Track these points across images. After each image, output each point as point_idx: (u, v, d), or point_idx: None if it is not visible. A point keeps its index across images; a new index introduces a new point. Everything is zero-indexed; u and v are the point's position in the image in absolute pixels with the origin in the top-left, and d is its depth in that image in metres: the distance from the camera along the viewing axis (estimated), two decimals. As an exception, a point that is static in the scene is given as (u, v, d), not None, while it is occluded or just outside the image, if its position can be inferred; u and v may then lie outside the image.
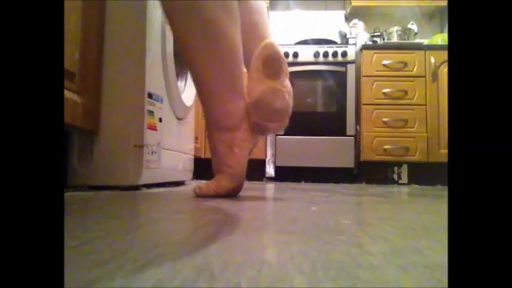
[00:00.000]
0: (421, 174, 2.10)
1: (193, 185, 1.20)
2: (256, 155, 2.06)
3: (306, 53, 2.21)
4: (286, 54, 2.18)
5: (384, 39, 2.44)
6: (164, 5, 0.70)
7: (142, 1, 0.93)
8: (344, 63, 2.18)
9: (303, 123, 2.14)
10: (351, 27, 2.54)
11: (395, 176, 2.14)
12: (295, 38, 2.41)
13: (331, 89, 2.20)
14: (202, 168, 1.54)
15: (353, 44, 2.23)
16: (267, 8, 2.07)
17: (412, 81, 2.14)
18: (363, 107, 2.15)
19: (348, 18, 2.68)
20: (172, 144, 1.14)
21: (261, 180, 2.16)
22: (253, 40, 0.75)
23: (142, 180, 0.91)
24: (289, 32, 2.60)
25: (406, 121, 2.12)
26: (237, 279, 0.19)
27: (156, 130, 0.97)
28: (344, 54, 2.18)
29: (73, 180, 0.87)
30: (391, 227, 0.40)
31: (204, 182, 1.03)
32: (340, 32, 2.57)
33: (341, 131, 2.15)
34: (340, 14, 2.73)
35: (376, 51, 2.18)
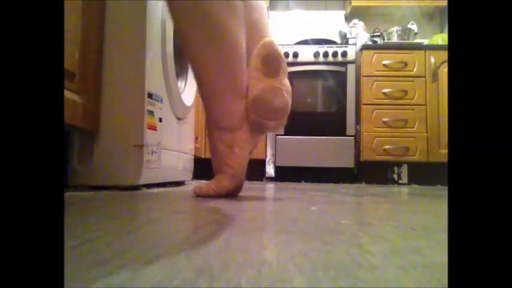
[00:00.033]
0: (421, 174, 2.10)
1: (193, 185, 1.20)
2: (256, 155, 2.06)
3: (306, 53, 2.21)
4: (286, 54, 2.18)
5: (383, 39, 2.44)
6: (169, 4, 0.70)
7: (142, 1, 0.93)
8: (344, 63, 2.18)
9: (303, 123, 2.14)
10: (351, 27, 2.54)
11: (395, 176, 2.14)
12: (295, 38, 2.41)
13: (331, 89, 2.20)
14: (202, 168, 1.54)
15: (353, 44, 2.23)
16: (267, 8, 2.07)
17: (412, 81, 2.14)
18: (363, 107, 2.15)
19: (348, 18, 2.67)
20: (172, 144, 1.14)
21: (261, 180, 2.16)
22: (253, 39, 0.75)
23: (142, 180, 0.91)
24: (289, 32, 2.60)
25: (406, 121, 2.12)
26: (237, 279, 0.19)
27: (156, 130, 0.97)
28: (344, 54, 2.18)
29: (73, 180, 0.87)
30: (391, 227, 0.40)
31: (204, 182, 1.03)
32: (340, 32, 2.57)
33: (341, 131, 2.15)
34: (340, 14, 2.73)
35: (376, 51, 2.19)
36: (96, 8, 0.89)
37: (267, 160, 2.18)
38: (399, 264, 0.23)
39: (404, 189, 1.43)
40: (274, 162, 2.17)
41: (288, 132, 2.14)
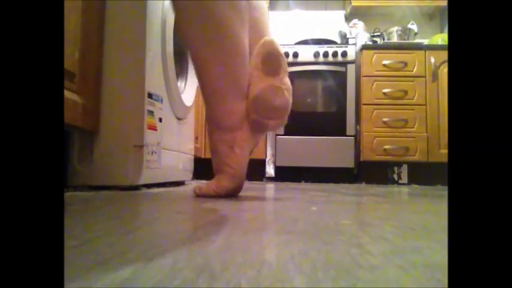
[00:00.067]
0: (421, 174, 2.10)
1: (193, 185, 1.20)
2: (256, 155, 2.06)
3: (306, 53, 2.21)
4: (286, 54, 2.18)
5: (383, 39, 2.44)
6: (174, 4, 0.70)
7: (142, 1, 0.93)
8: (344, 63, 2.18)
9: (303, 123, 2.14)
10: (351, 27, 2.54)
11: (395, 176, 2.14)
12: (295, 38, 2.41)
13: (331, 89, 2.20)
14: (202, 168, 1.54)
15: (353, 44, 2.23)
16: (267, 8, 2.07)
17: (412, 81, 2.14)
18: (363, 107, 2.15)
19: (348, 18, 2.67)
20: (172, 144, 1.14)
21: (261, 180, 2.16)
22: (253, 38, 0.75)
23: (142, 180, 0.91)
24: (289, 32, 2.60)
25: (406, 121, 2.12)
26: (237, 279, 0.19)
27: (156, 130, 0.97)
28: (344, 54, 2.18)
29: (73, 180, 0.87)
30: (391, 227, 0.40)
31: (204, 182, 1.03)
32: (340, 32, 2.57)
33: (341, 131, 2.15)
34: (340, 14, 2.73)
35: (376, 51, 2.19)
36: (96, 8, 0.89)
37: (267, 160, 2.18)
38: (399, 264, 0.23)
39: (404, 189, 1.43)
40: (274, 162, 2.17)
41: (288, 132, 2.14)
